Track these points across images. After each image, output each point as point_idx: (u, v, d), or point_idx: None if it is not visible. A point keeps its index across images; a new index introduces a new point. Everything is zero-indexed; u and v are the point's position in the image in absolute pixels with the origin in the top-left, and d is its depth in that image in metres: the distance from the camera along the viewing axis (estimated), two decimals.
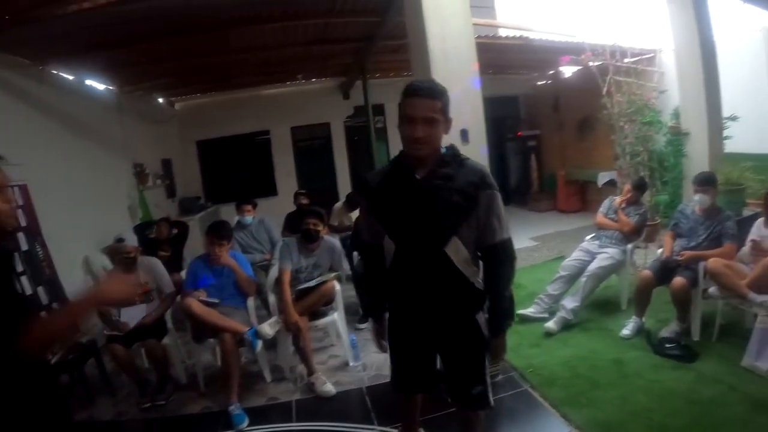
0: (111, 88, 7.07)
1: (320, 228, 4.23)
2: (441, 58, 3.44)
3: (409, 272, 2.08)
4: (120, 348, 4.00)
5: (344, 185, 10.86)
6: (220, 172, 10.79)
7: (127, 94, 7.68)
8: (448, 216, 1.97)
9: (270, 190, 10.63)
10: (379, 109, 10.09)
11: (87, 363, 4.36)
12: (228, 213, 9.89)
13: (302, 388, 3.94)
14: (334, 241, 4.40)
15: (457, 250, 1.99)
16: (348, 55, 7.66)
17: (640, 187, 4.83)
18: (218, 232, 4.17)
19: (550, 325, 4.25)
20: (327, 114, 10.74)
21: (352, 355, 4.21)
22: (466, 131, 3.36)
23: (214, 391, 4.07)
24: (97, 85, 6.60)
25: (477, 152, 3.45)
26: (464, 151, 3.27)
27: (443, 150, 2.05)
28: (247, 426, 3.50)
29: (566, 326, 4.29)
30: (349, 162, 11.05)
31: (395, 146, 10.63)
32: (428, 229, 1.99)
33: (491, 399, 2.25)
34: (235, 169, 10.87)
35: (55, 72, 5.67)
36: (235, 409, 3.59)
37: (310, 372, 3.89)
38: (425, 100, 1.93)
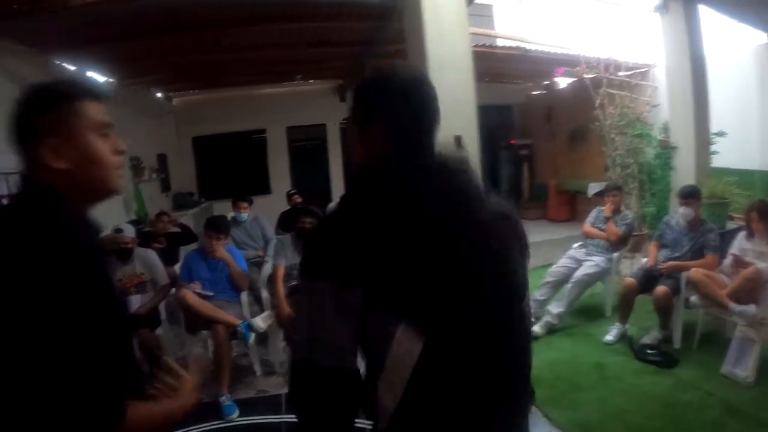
0: (110, 80, 7.06)
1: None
2: (438, 65, 3.52)
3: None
4: None
5: (338, 187, 10.92)
6: (215, 169, 10.81)
7: (125, 87, 7.69)
8: None
9: (264, 188, 10.63)
10: None
11: None
12: (221, 209, 9.85)
13: None
14: None
15: None
16: (346, 58, 7.71)
17: (617, 188, 5.04)
18: (216, 227, 4.26)
19: (536, 328, 4.35)
20: (323, 116, 10.79)
21: None
22: (459, 137, 3.44)
23: (205, 382, 4.12)
24: (97, 77, 6.57)
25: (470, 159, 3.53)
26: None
27: None
28: (237, 417, 3.57)
29: (551, 330, 4.41)
30: (344, 165, 11.09)
31: None
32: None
33: None
34: (230, 167, 10.88)
35: (57, 62, 5.69)
36: (225, 400, 3.66)
37: None
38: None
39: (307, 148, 11.17)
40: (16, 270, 0.93)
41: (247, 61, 7.41)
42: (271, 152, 11.00)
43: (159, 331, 4.29)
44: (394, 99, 1.18)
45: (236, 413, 3.59)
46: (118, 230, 4.13)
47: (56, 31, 4.81)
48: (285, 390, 3.88)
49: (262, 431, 3.48)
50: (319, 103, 10.59)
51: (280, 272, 4.23)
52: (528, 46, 8.00)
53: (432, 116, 1.21)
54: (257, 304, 4.86)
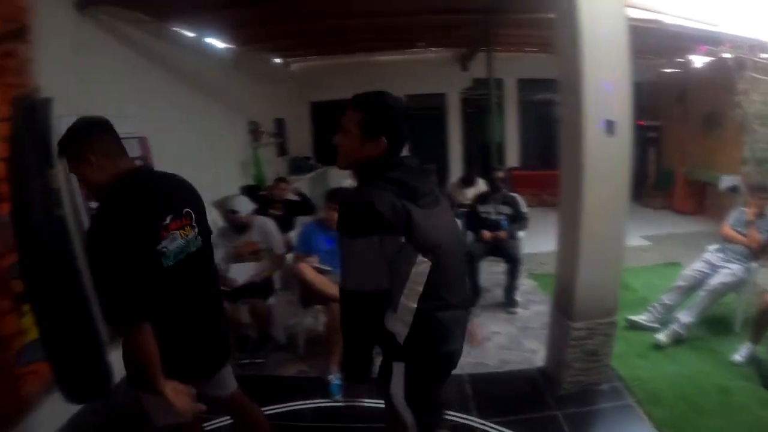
0: (230, 46, 7.17)
1: None
2: (591, 40, 3.15)
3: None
4: (225, 303, 4.16)
5: (455, 159, 10.76)
6: (332, 135, 10.79)
7: (244, 53, 7.79)
8: None
9: None
10: (496, 84, 9.70)
11: None
12: (336, 175, 10.02)
13: None
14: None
15: None
16: (471, 26, 7.41)
17: (764, 190, 4.51)
18: (336, 198, 4.12)
19: (661, 337, 4.07)
20: (443, 84, 10.56)
21: None
22: (612, 123, 3.09)
23: (312, 356, 4.19)
24: (216, 43, 6.70)
25: (622, 147, 3.23)
26: (608, 144, 3.13)
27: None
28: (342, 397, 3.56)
29: (677, 340, 4.08)
30: (462, 136, 10.85)
31: (511, 123, 10.55)
32: None
33: None
34: None
35: (175, 29, 5.81)
36: (334, 378, 3.66)
37: None
38: (349, 108, 1.90)
39: (425, 116, 10.77)
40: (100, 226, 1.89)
41: (367, 27, 7.27)
42: None
43: (271, 300, 4.39)
44: (396, 123, 1.86)
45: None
46: (233, 211, 4.18)
47: None
48: None
49: (365, 415, 3.41)
50: (440, 72, 10.34)
51: None
52: (665, 19, 7.37)
53: (407, 134, 1.90)
54: None
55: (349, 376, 2.04)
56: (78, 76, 3.95)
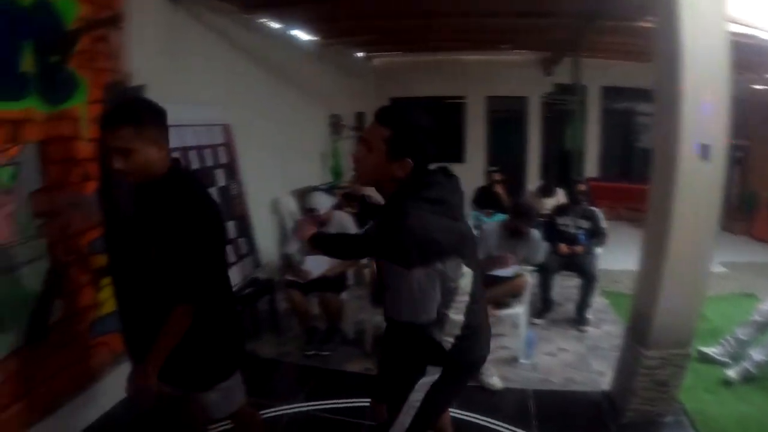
0: (314, 39, 7.28)
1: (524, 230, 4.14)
2: (692, 56, 2.96)
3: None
4: (298, 294, 4.26)
5: (533, 164, 10.62)
6: None
7: (328, 46, 7.90)
8: None
9: (458, 156, 10.65)
10: (573, 90, 9.45)
11: (261, 299, 4.69)
12: None
13: None
14: (536, 232, 4.26)
15: None
16: (558, 30, 7.27)
17: None
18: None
19: (732, 373, 3.88)
20: (524, 88, 10.41)
21: (525, 352, 4.14)
22: (708, 147, 2.94)
23: (378, 354, 4.19)
24: (301, 35, 6.83)
25: (716, 172, 3.06)
26: (702, 167, 2.99)
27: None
28: None
29: (747, 378, 3.88)
30: (542, 141, 10.67)
31: (592, 131, 10.23)
32: None
33: None
34: None
35: (262, 20, 5.94)
36: None
37: None
38: (374, 123, 1.81)
39: (505, 119, 10.82)
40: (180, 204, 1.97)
41: (451, 26, 7.24)
42: (468, 120, 10.87)
43: (344, 296, 4.45)
44: (424, 144, 1.79)
45: None
46: (311, 209, 4.24)
47: None
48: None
49: None
50: (522, 75, 10.21)
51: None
52: (759, 34, 6.96)
53: (435, 153, 1.83)
54: None
55: (377, 397, 2.25)
56: (167, 63, 4.11)
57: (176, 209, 1.96)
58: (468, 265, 1.85)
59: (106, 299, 3.44)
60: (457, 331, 1.87)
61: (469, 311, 1.88)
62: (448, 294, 1.82)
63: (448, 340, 1.87)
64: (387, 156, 1.76)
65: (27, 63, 2.87)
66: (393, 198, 1.83)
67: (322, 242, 2.22)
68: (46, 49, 2.97)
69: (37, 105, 2.92)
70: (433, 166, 1.90)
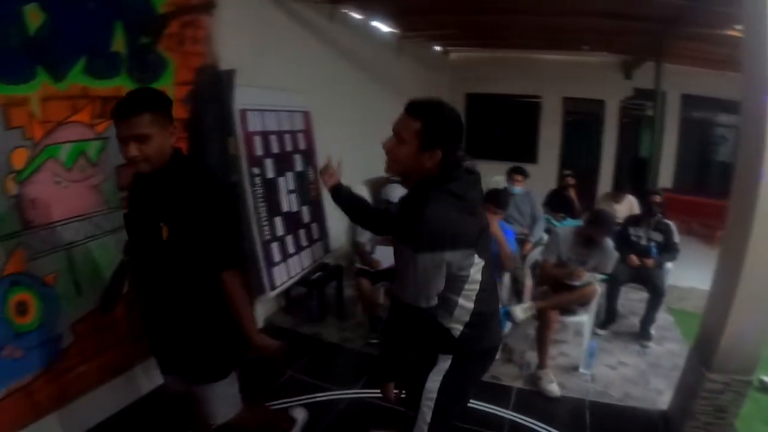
0: (394, 31, 7.35)
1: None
2: None
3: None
4: (366, 282, 4.34)
5: (607, 169, 10.28)
6: (484, 128, 10.76)
7: (407, 39, 7.95)
8: None
9: (530, 157, 10.37)
10: (653, 95, 9.06)
11: (329, 284, 4.81)
12: (483, 169, 9.88)
13: (526, 378, 3.96)
14: (609, 241, 4.18)
15: None
16: (642, 34, 7.08)
17: None
18: (496, 201, 4.14)
19: None
20: (603, 91, 10.08)
21: (586, 361, 4.11)
22: None
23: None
24: (381, 27, 6.91)
25: None
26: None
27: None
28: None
29: None
30: (617, 146, 10.33)
31: (669, 140, 9.78)
32: None
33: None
34: (499, 128, 10.81)
35: (344, 11, 6.02)
36: None
37: (541, 365, 3.87)
38: (404, 115, 1.89)
39: (580, 122, 10.51)
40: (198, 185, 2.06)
41: (531, 24, 7.15)
42: (543, 121, 10.62)
43: None
44: (453, 136, 1.88)
45: None
46: (387, 201, 4.30)
47: None
48: (518, 384, 3.87)
49: (485, 421, 3.43)
50: (601, 77, 9.92)
51: (547, 267, 4.13)
52: None
53: (460, 145, 1.93)
54: (514, 286, 4.75)
55: (381, 376, 2.22)
56: (254, 49, 4.26)
57: (192, 186, 2.04)
58: (480, 255, 1.92)
59: None
60: (467, 318, 1.97)
61: (480, 299, 1.97)
62: (456, 281, 1.91)
63: (456, 328, 1.98)
64: (419, 146, 1.85)
65: (118, 43, 3.06)
66: (419, 185, 1.92)
67: (341, 196, 2.47)
68: (136, 30, 3.16)
69: (126, 83, 3.12)
70: (462, 162, 1.98)
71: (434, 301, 1.88)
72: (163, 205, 2.06)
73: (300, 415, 3.01)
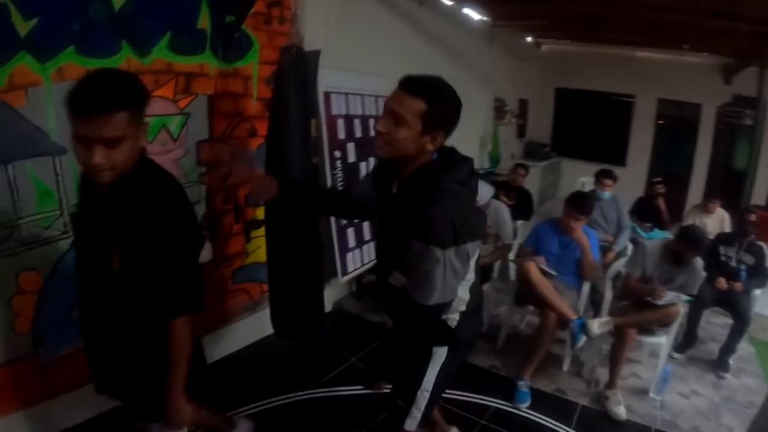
0: (485, 19, 7.15)
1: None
2: None
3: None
4: None
5: (699, 178, 9.61)
6: (573, 125, 10.48)
7: (498, 28, 7.75)
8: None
9: (619, 159, 9.86)
10: (754, 103, 8.51)
11: None
12: (568, 168, 9.82)
13: (593, 396, 3.77)
14: (699, 260, 3.88)
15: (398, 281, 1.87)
16: (747, 36, 6.62)
17: None
18: (580, 206, 3.95)
19: None
20: (700, 95, 9.43)
21: (658, 386, 3.85)
22: None
23: (507, 353, 4.17)
24: (472, 14, 6.69)
25: None
26: None
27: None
28: (526, 407, 3.49)
29: None
30: (712, 154, 9.64)
31: (766, 150, 9.06)
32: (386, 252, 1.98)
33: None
34: (588, 127, 10.45)
35: None
36: (523, 385, 3.59)
37: (611, 384, 3.67)
38: (403, 94, 1.67)
39: (674, 126, 9.88)
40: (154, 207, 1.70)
41: (630, 20, 6.78)
42: (635, 122, 10.06)
43: (486, 287, 4.36)
44: (456, 118, 1.76)
45: (528, 403, 3.51)
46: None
47: None
48: (583, 401, 3.70)
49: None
50: (699, 80, 9.28)
51: (631, 281, 3.92)
52: None
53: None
54: (592, 294, 4.47)
55: (380, 376, 2.31)
56: (340, 31, 4.22)
57: (150, 212, 1.69)
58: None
59: (253, 250, 3.72)
60: (463, 308, 1.96)
61: (473, 289, 1.97)
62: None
63: (453, 318, 1.96)
64: (422, 129, 1.68)
65: (204, 21, 3.10)
66: (422, 172, 1.75)
67: (291, 198, 2.44)
68: (222, 9, 3.17)
69: (211, 61, 3.18)
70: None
71: (455, 295, 1.84)
72: (115, 230, 1.72)
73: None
